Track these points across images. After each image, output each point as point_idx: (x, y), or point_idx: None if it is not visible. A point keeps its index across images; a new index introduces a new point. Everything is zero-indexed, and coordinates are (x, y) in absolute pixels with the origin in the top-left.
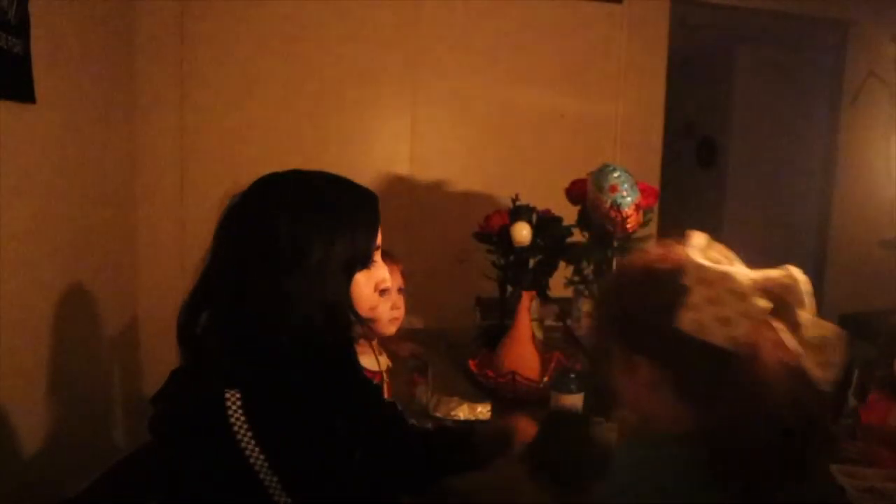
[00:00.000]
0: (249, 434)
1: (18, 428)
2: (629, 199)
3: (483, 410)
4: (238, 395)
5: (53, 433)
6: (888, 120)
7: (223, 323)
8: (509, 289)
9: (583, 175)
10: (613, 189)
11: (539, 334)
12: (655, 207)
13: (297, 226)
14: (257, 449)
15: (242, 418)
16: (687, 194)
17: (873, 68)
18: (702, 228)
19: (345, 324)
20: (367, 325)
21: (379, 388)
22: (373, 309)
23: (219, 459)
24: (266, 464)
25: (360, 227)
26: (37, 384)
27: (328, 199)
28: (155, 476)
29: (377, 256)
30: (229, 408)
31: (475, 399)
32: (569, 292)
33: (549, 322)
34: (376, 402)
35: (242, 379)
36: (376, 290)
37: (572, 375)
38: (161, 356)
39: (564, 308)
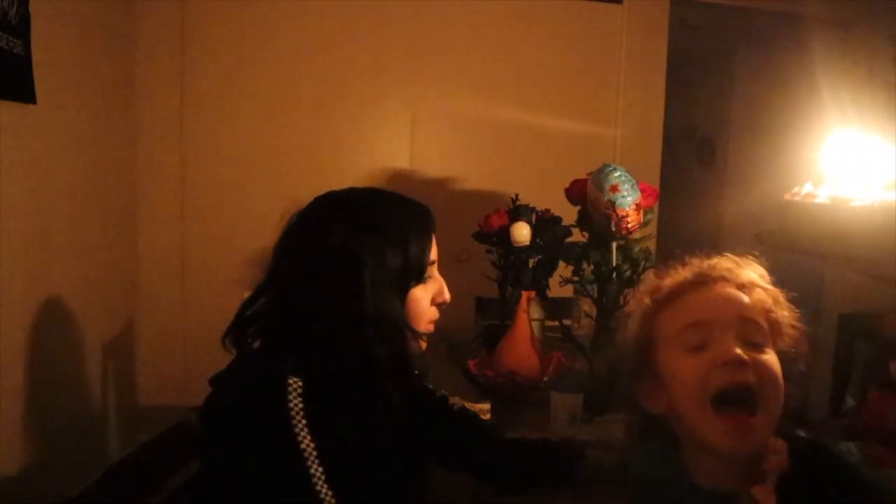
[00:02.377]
0: (304, 422)
1: (9, 432)
2: (629, 199)
3: (483, 410)
4: (300, 384)
5: (45, 439)
6: (888, 120)
7: (284, 335)
8: (509, 289)
9: (583, 175)
10: (614, 189)
11: (539, 334)
12: (655, 207)
13: (350, 242)
14: (309, 437)
15: (301, 405)
16: (687, 194)
17: (873, 68)
18: (702, 228)
19: (400, 338)
20: (423, 340)
21: (443, 399)
22: (431, 322)
23: (270, 441)
24: (315, 453)
25: (413, 242)
26: (31, 387)
27: (381, 214)
28: (201, 458)
29: (433, 270)
30: (290, 393)
31: (475, 399)
32: (569, 292)
33: (549, 322)
34: (440, 416)
35: (307, 371)
36: (433, 303)
37: (572, 375)
38: (156, 363)
39: (564, 308)
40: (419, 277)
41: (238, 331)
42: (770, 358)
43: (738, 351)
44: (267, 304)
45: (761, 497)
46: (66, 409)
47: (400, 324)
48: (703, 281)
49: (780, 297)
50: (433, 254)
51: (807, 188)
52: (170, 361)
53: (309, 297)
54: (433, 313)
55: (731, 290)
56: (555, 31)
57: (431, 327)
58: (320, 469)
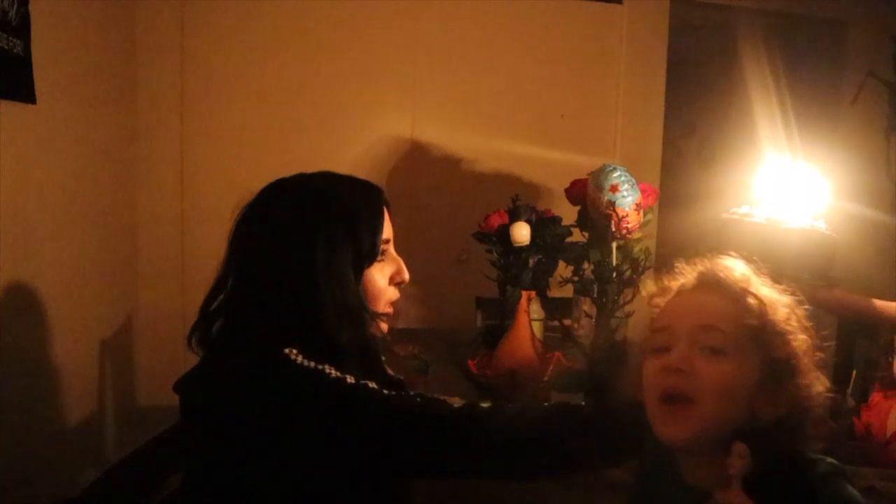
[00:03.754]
0: (323, 365)
1: (8, 432)
2: (629, 199)
3: None
4: (296, 350)
5: (44, 439)
6: (888, 120)
7: (243, 329)
8: (509, 289)
9: (583, 175)
10: (614, 189)
11: (539, 334)
12: (655, 207)
13: (299, 228)
14: (339, 372)
15: (310, 362)
16: (687, 194)
17: (873, 68)
18: (702, 228)
19: (359, 321)
20: (383, 321)
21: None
22: (390, 304)
23: (319, 392)
24: (353, 378)
25: (364, 221)
26: (29, 387)
27: (328, 198)
28: (188, 458)
29: (390, 249)
30: (293, 359)
31: (475, 399)
32: (569, 292)
33: (549, 322)
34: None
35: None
36: (391, 283)
37: (572, 375)
38: (156, 363)
39: (564, 308)
40: (372, 257)
41: (203, 329)
42: (717, 367)
43: (680, 359)
44: (227, 297)
45: (730, 502)
46: (65, 408)
47: (356, 306)
48: (687, 286)
49: (782, 303)
50: (387, 232)
51: (744, 209)
52: (169, 361)
53: (264, 286)
54: (392, 293)
55: (700, 298)
56: (555, 30)
57: (391, 309)
58: (372, 384)
